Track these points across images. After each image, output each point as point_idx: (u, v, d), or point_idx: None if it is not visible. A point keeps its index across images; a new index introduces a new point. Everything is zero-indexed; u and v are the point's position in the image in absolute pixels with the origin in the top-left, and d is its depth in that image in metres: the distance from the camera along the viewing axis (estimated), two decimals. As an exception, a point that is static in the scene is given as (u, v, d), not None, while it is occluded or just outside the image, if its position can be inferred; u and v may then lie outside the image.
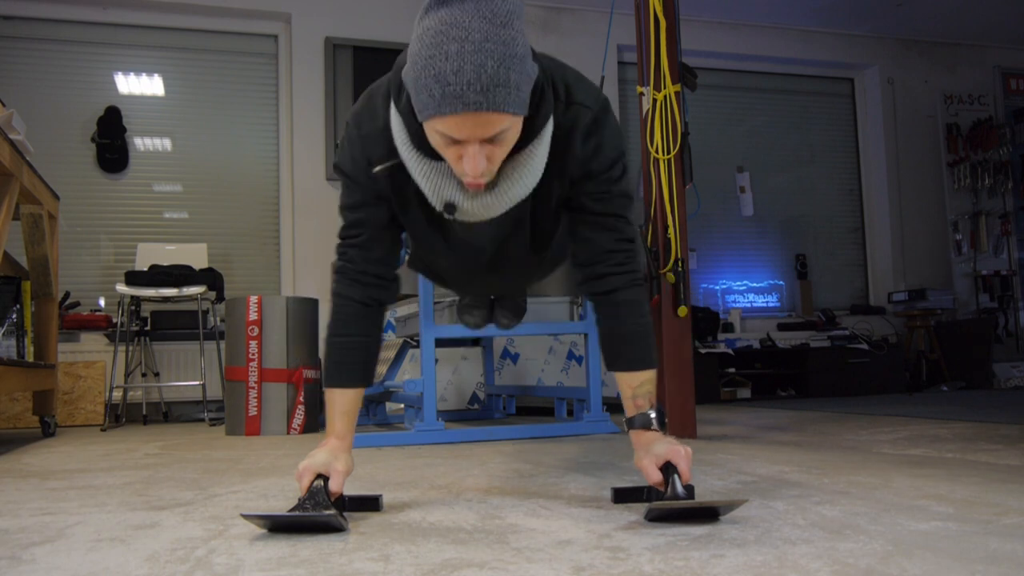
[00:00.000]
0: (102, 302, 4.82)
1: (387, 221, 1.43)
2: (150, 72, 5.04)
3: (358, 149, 1.36)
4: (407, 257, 1.78)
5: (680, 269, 2.69)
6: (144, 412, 4.52)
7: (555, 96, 1.29)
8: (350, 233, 1.43)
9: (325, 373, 1.44)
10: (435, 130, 1.13)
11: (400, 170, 1.32)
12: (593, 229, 1.39)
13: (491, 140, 1.13)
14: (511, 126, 1.14)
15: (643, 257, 2.70)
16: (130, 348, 4.42)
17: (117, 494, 1.71)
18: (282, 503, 1.53)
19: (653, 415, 1.39)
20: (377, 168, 1.33)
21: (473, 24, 1.05)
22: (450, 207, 1.25)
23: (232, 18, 5.13)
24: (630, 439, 1.41)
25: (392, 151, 1.31)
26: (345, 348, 1.42)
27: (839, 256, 6.42)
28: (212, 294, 4.34)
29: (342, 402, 1.41)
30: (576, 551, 1.06)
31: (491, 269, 1.58)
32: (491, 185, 1.23)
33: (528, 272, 1.71)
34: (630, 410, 1.41)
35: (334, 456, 1.34)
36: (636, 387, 1.40)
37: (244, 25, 5.17)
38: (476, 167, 1.13)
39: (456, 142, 1.13)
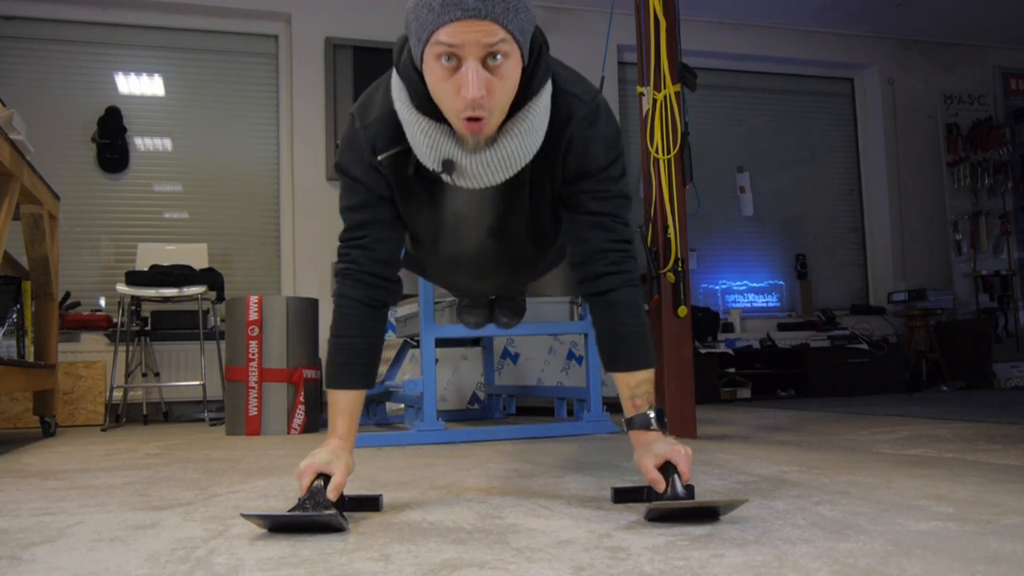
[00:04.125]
0: (102, 302, 4.82)
1: (390, 220, 1.43)
2: (150, 72, 5.04)
3: (361, 140, 1.36)
4: (403, 257, 1.77)
5: (680, 269, 2.69)
6: (144, 412, 4.52)
7: (552, 79, 1.30)
8: (353, 235, 1.42)
9: (328, 374, 1.44)
10: (435, 50, 1.15)
11: (403, 156, 1.33)
12: (590, 228, 1.39)
13: (489, 63, 1.15)
14: (509, 48, 1.16)
15: (641, 258, 2.70)
16: (130, 348, 4.42)
17: (117, 494, 1.71)
18: (282, 503, 1.53)
19: (652, 415, 1.38)
20: (381, 156, 1.34)
21: None
22: (448, 164, 1.25)
23: (232, 18, 5.13)
24: (630, 439, 1.41)
25: (394, 140, 1.32)
26: (349, 349, 1.42)
27: (839, 256, 6.42)
28: (212, 294, 4.34)
29: (345, 403, 1.41)
30: (576, 551, 1.06)
31: (488, 262, 1.57)
32: (490, 142, 1.23)
33: (525, 268, 1.71)
34: (629, 410, 1.41)
35: (335, 455, 1.34)
36: (634, 387, 1.40)
37: (244, 25, 5.17)
38: (476, 85, 1.14)
39: (456, 65, 1.15)
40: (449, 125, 1.24)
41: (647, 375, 1.41)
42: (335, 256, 1.47)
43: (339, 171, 1.42)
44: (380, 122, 1.34)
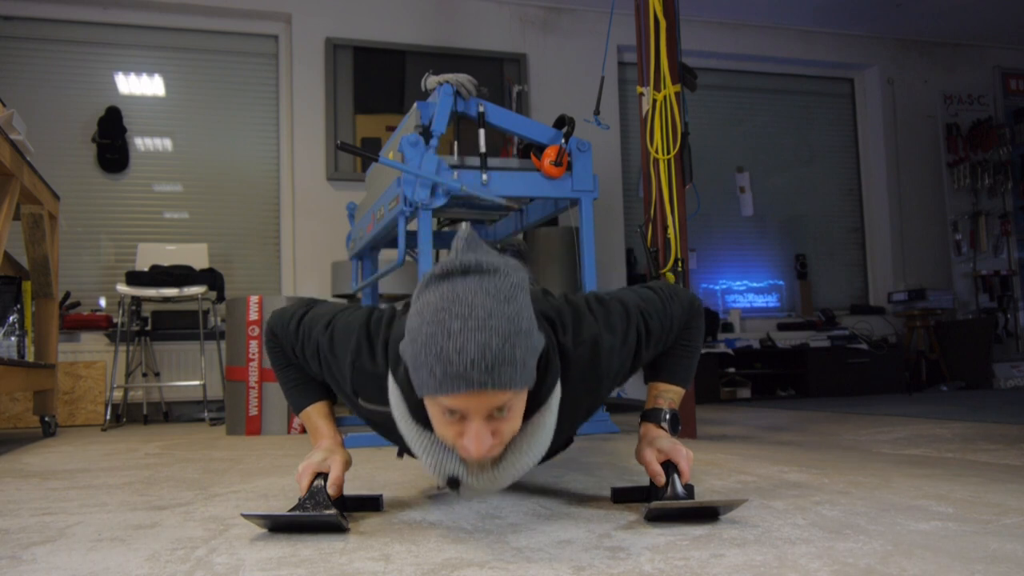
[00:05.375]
0: (102, 302, 4.82)
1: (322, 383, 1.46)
2: (150, 72, 5.04)
3: (347, 373, 1.30)
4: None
5: (680, 269, 2.69)
6: (145, 412, 4.52)
7: (560, 338, 1.25)
8: (282, 360, 1.46)
9: (291, 400, 1.48)
10: (435, 407, 1.06)
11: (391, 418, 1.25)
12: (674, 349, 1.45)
13: (495, 416, 1.06)
14: (517, 401, 1.07)
15: (641, 259, 2.70)
16: (130, 348, 4.42)
17: (118, 494, 1.71)
18: (282, 503, 1.53)
19: (668, 415, 1.41)
20: (366, 405, 1.31)
21: (476, 300, 0.99)
22: (454, 482, 1.13)
23: (232, 18, 5.13)
24: (639, 432, 1.42)
25: (384, 399, 1.25)
26: (297, 371, 1.46)
27: (839, 256, 6.42)
28: (212, 294, 4.34)
29: (318, 412, 1.45)
30: (576, 551, 1.06)
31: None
32: (496, 459, 1.12)
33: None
34: (648, 404, 1.45)
35: (330, 452, 1.36)
36: (662, 391, 1.45)
37: (244, 25, 5.17)
38: (480, 447, 1.04)
39: (456, 420, 1.05)
40: None
41: (678, 389, 1.46)
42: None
43: (293, 331, 1.39)
44: (374, 378, 1.27)
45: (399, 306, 1.35)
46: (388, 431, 1.33)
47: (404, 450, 1.45)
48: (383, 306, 1.39)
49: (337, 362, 1.32)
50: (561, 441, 1.43)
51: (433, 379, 1.00)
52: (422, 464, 1.17)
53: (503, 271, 1.04)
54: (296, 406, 1.47)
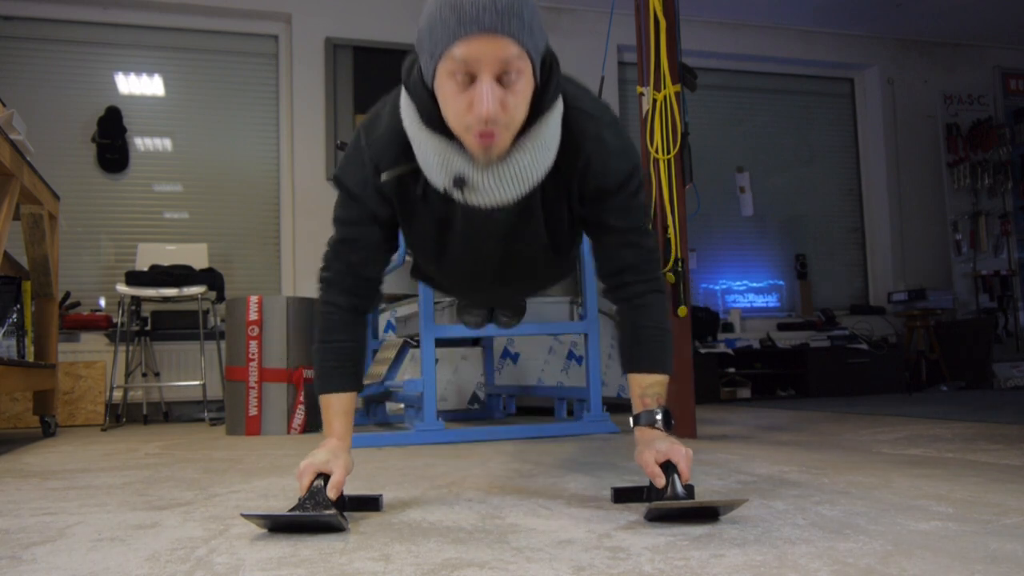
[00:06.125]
0: (102, 302, 4.82)
1: (380, 241, 1.43)
2: (150, 72, 5.04)
3: (365, 156, 1.35)
4: (411, 267, 1.77)
5: (680, 269, 2.69)
6: (144, 412, 4.52)
7: (562, 94, 1.29)
8: (341, 249, 1.44)
9: (319, 378, 1.45)
10: (448, 66, 1.13)
11: (410, 176, 1.32)
12: (617, 246, 1.41)
13: (503, 79, 1.13)
14: (523, 65, 1.14)
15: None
16: (130, 348, 4.42)
17: (117, 494, 1.71)
18: (282, 503, 1.53)
19: (659, 415, 1.40)
20: (385, 175, 1.33)
21: None
22: (460, 180, 1.22)
23: (232, 18, 5.14)
24: (634, 436, 1.41)
25: (400, 157, 1.31)
26: (338, 352, 1.43)
27: (839, 256, 6.42)
28: (212, 294, 4.34)
29: (339, 404, 1.43)
30: (576, 551, 1.06)
31: (500, 278, 1.57)
32: (502, 158, 1.21)
33: (536, 282, 1.72)
34: (637, 407, 1.42)
35: (334, 455, 1.35)
36: (646, 387, 1.42)
37: (244, 25, 5.17)
38: (490, 100, 1.12)
39: (469, 82, 1.13)
40: (460, 143, 1.22)
41: (661, 379, 1.43)
42: (322, 261, 1.48)
43: (337, 183, 1.42)
44: (386, 140, 1.33)
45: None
46: (407, 214, 1.38)
47: (416, 270, 1.56)
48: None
49: (361, 156, 1.35)
50: (557, 245, 1.46)
51: (447, 29, 1.11)
52: (428, 165, 1.26)
53: None
54: (321, 388, 1.44)
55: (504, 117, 1.15)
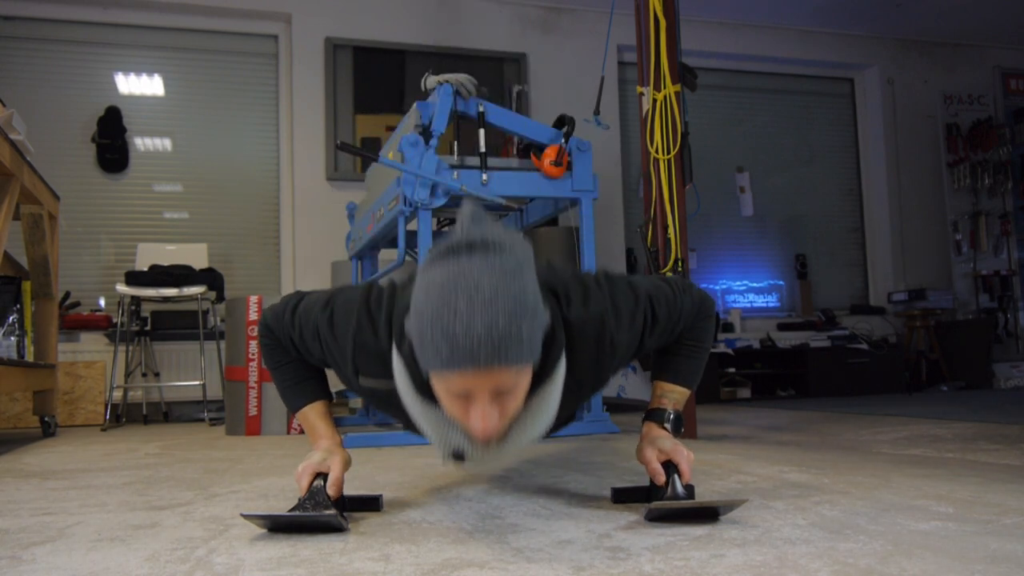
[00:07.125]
0: (102, 302, 4.82)
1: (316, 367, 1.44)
2: (150, 72, 5.04)
3: (348, 350, 1.28)
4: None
5: (680, 269, 2.69)
6: (144, 412, 4.52)
7: (565, 312, 1.24)
8: (278, 358, 1.43)
9: (285, 400, 1.45)
10: (441, 385, 1.05)
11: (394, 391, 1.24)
12: (669, 338, 1.42)
13: (502, 394, 1.05)
14: (522, 378, 1.06)
15: (641, 258, 2.70)
16: (130, 348, 4.42)
17: (117, 494, 1.71)
18: (282, 503, 1.53)
19: (671, 416, 1.41)
20: (365, 381, 1.30)
21: (482, 278, 0.98)
22: (458, 455, 1.14)
23: (232, 18, 5.13)
24: (640, 431, 1.42)
25: (386, 374, 1.24)
26: (294, 370, 1.43)
27: (839, 256, 6.41)
28: (212, 294, 4.34)
29: (316, 413, 1.43)
30: (576, 551, 1.06)
31: None
32: (501, 435, 1.12)
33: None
34: (652, 404, 1.44)
35: (330, 453, 1.35)
36: (667, 391, 1.44)
37: (244, 25, 5.17)
38: (487, 425, 1.04)
39: (463, 397, 1.04)
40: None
41: (682, 390, 1.45)
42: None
43: (289, 320, 1.36)
44: (376, 353, 1.26)
45: (397, 279, 1.33)
46: (391, 406, 1.32)
47: (407, 426, 1.43)
48: (382, 281, 1.37)
49: (338, 341, 1.30)
50: (563, 417, 1.42)
51: (439, 357, 0.99)
52: (425, 431, 1.18)
53: (508, 247, 1.03)
54: (292, 407, 1.45)
55: (503, 425, 1.08)
